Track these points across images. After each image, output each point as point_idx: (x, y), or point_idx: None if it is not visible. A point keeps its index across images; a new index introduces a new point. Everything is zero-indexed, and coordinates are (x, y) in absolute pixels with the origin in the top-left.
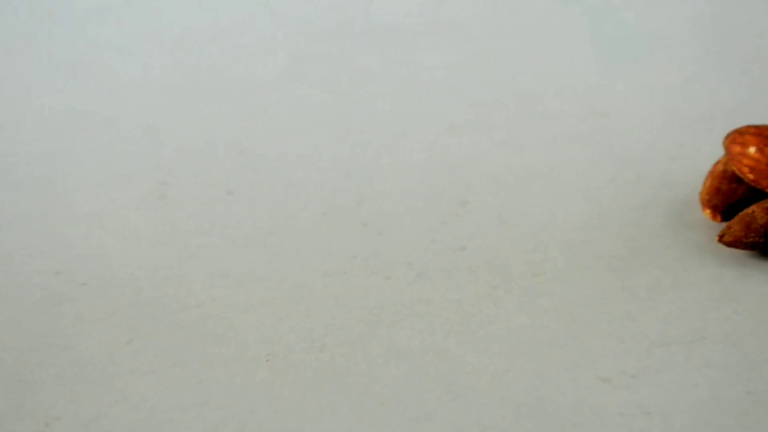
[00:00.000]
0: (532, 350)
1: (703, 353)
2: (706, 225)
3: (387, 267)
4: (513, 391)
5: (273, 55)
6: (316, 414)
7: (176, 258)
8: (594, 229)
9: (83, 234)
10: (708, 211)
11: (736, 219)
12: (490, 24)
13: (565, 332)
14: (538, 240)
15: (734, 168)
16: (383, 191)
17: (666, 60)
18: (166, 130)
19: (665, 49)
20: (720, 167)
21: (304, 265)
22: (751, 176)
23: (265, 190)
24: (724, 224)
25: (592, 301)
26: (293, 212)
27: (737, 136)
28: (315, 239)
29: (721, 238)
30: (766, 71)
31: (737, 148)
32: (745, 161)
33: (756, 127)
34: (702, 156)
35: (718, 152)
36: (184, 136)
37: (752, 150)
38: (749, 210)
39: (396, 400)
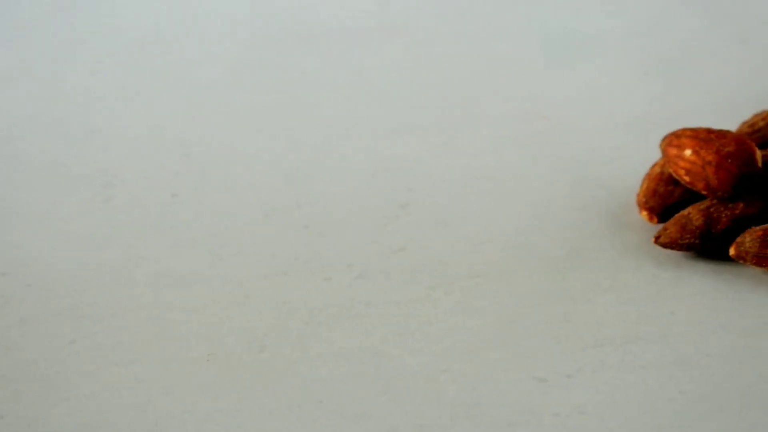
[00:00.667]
0: (469, 351)
1: (638, 353)
2: (643, 227)
3: (327, 268)
4: (449, 391)
5: (217, 58)
6: (255, 413)
7: (120, 259)
8: (532, 231)
9: (29, 236)
10: (645, 213)
11: (672, 221)
12: (434, 27)
13: (502, 333)
14: (477, 242)
15: (671, 170)
16: (325, 193)
17: (606, 63)
18: (112, 133)
19: (605, 52)
20: (657, 169)
21: (246, 267)
22: (687, 178)
23: (209, 193)
24: (660, 226)
25: (529, 302)
26: (236, 214)
27: (674, 139)
28: (257, 241)
29: (657, 240)
30: (703, 75)
31: (673, 151)
32: (681, 164)
33: (692, 129)
34: (640, 158)
35: (656, 155)
36: (129, 138)
37: (688, 152)
38: (685, 212)
39: (334, 399)
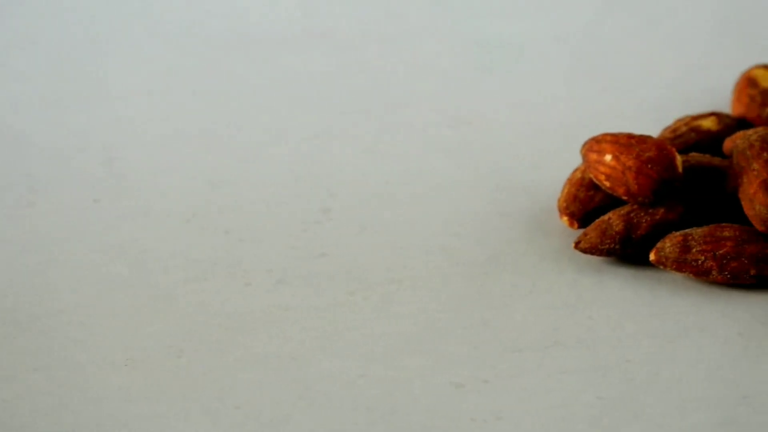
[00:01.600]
0: (387, 356)
1: (557, 359)
2: (564, 232)
3: (247, 274)
4: (366, 396)
5: (143, 64)
6: (172, 419)
7: (41, 264)
8: (453, 237)
9: None
10: (565, 218)
11: (592, 226)
12: (358, 33)
13: (421, 338)
14: (397, 247)
15: (591, 176)
16: (247, 198)
17: (530, 69)
18: (35, 138)
19: (529, 58)
20: (578, 175)
21: (166, 272)
22: (607, 183)
23: (130, 198)
24: (581, 231)
25: (449, 307)
26: (158, 219)
27: (594, 144)
28: (178, 246)
29: (577, 245)
30: (628, 80)
31: (594, 156)
32: (602, 169)
33: (612, 135)
34: (562, 164)
35: (578, 160)
36: (52, 144)
37: (608, 158)
38: (605, 217)
39: (251, 404)
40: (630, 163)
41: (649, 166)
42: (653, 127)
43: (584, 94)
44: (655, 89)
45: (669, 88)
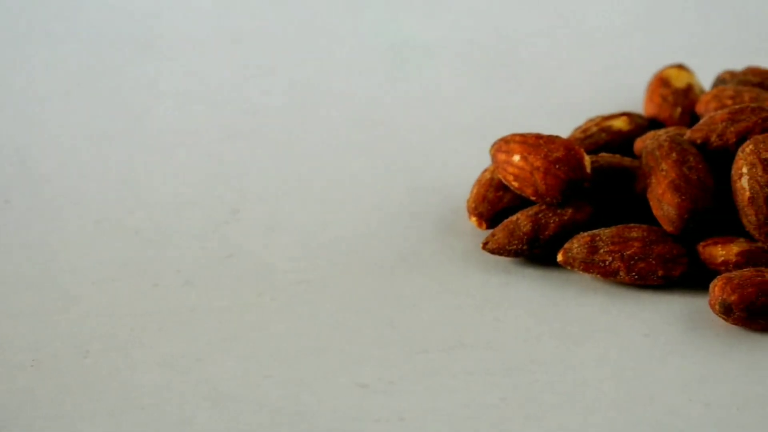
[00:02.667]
0: (294, 357)
1: (462, 359)
2: (473, 233)
3: (156, 274)
4: (272, 397)
5: (55, 65)
6: (77, 419)
7: None
8: (362, 237)
9: None
10: (474, 219)
11: (500, 227)
12: (272, 33)
13: (328, 339)
14: (306, 247)
15: (500, 176)
16: (157, 199)
17: (442, 69)
18: None
19: (441, 58)
20: (487, 175)
21: (75, 272)
22: (515, 184)
23: (41, 199)
24: (490, 232)
25: (356, 308)
26: (68, 220)
27: (503, 145)
28: (87, 247)
29: (485, 246)
30: (541, 80)
31: (502, 157)
32: (510, 169)
33: (521, 135)
34: (473, 164)
35: (489, 160)
36: None
37: (516, 158)
38: (513, 218)
39: (156, 405)
40: (538, 163)
41: (557, 166)
42: (566, 127)
43: (496, 94)
44: (568, 89)
45: (582, 87)
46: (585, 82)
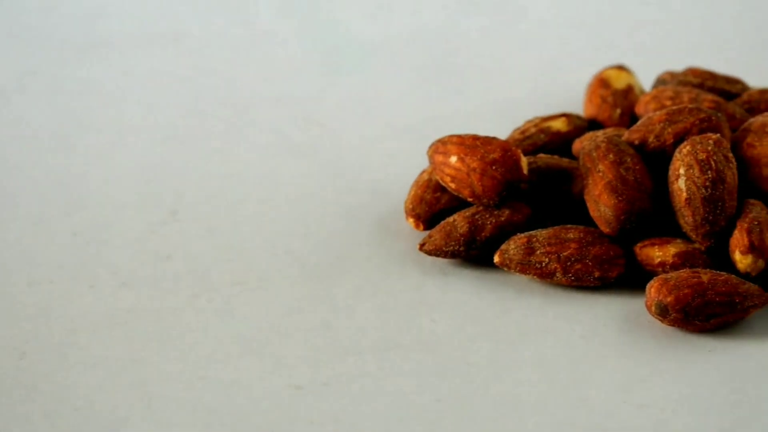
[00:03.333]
0: (228, 358)
1: (397, 361)
2: (411, 234)
3: (92, 276)
4: (206, 398)
5: None
6: (11, 421)
7: None
8: (299, 238)
9: None
10: (411, 220)
11: (437, 228)
12: (210, 34)
13: (262, 340)
14: (243, 249)
15: (437, 177)
16: (95, 200)
17: (382, 70)
18: None
19: (381, 59)
20: (425, 176)
21: (11, 274)
22: (452, 185)
23: None
24: (427, 233)
25: (291, 309)
26: (4, 222)
27: (440, 146)
28: (25, 248)
29: (422, 247)
30: (482, 81)
31: (440, 158)
32: (447, 170)
33: (459, 136)
34: (412, 165)
35: (427, 161)
36: None
37: (454, 159)
38: (450, 219)
39: (90, 407)
40: (475, 164)
41: (494, 167)
42: (506, 128)
43: (436, 95)
44: (509, 90)
45: (522, 88)
46: (525, 83)
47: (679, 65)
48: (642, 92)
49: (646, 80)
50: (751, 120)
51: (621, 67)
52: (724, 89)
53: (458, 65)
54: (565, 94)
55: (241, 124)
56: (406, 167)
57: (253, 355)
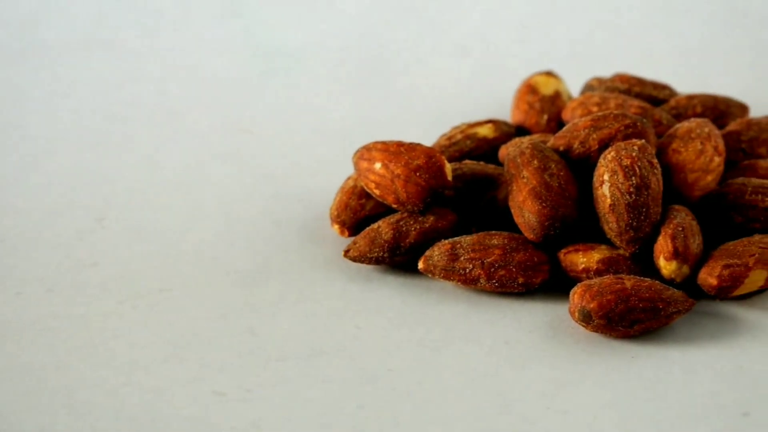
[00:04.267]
0: (151, 365)
1: (320, 367)
2: (336, 240)
3: (19, 283)
4: (128, 405)
5: None
6: None
7: None
8: (225, 245)
9: None
10: (336, 227)
11: (361, 234)
12: (144, 41)
13: (187, 347)
14: (169, 255)
15: (363, 184)
16: (23, 207)
17: (311, 76)
18: None
19: (311, 65)
20: (350, 183)
21: None
22: (377, 192)
23: None
24: (351, 239)
25: (217, 316)
26: None
27: (365, 152)
28: None
29: (346, 253)
30: (406, 88)
31: (364, 164)
32: (372, 177)
33: (383, 143)
34: (338, 172)
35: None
36: None
37: (378, 166)
38: (375, 225)
39: (14, 413)
40: (399, 171)
41: (418, 174)
42: (434, 135)
43: (364, 101)
44: (437, 96)
45: (451, 95)
46: (454, 90)
47: (607, 71)
48: (570, 98)
49: (575, 86)
50: (677, 126)
51: (549, 73)
52: (652, 95)
53: (387, 72)
54: (494, 101)
55: (170, 131)
56: (333, 174)
57: (177, 361)
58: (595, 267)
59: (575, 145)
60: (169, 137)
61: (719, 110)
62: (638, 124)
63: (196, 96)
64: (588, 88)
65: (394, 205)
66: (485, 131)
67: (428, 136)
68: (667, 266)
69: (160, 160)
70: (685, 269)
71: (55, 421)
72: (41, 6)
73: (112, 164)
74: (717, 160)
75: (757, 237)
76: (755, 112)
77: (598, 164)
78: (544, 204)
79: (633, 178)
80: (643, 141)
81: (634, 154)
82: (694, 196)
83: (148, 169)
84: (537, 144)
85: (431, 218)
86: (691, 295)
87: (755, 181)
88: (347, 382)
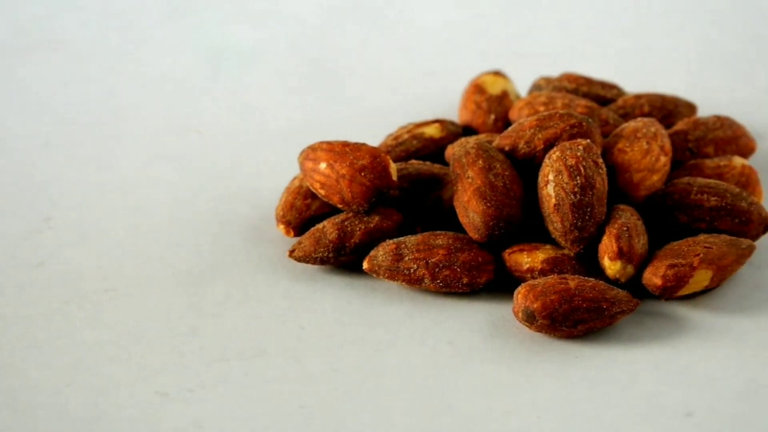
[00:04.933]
0: (95, 365)
1: (263, 368)
2: (281, 240)
3: None
4: (71, 405)
5: None
6: None
7: None
8: (171, 246)
9: None
10: (282, 227)
11: (306, 234)
12: (88, 43)
13: (130, 347)
14: (115, 256)
15: (308, 184)
16: None
17: (259, 76)
18: None
19: (259, 65)
20: (296, 183)
21: None
22: (322, 192)
23: None
24: (297, 239)
25: (159, 316)
26: None
27: (310, 152)
28: None
29: (291, 254)
30: (353, 88)
31: (310, 164)
32: (317, 177)
33: (328, 143)
34: (284, 172)
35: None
36: None
37: (323, 166)
38: (320, 225)
39: None
40: (344, 171)
41: (363, 174)
42: (381, 134)
43: (311, 101)
44: (385, 96)
45: (398, 94)
46: (401, 89)
47: (555, 71)
48: (517, 98)
49: (522, 86)
50: (624, 125)
51: (497, 73)
52: (599, 94)
53: (333, 71)
54: (441, 100)
55: (116, 131)
56: (279, 174)
57: (120, 362)
58: (539, 267)
59: (520, 145)
60: (116, 137)
61: (667, 110)
62: (584, 123)
63: (142, 96)
64: (535, 87)
65: (340, 205)
66: (432, 131)
67: (373, 136)
68: (611, 266)
69: (107, 161)
70: (630, 269)
71: None
72: None
73: (58, 164)
74: (663, 159)
75: (702, 237)
76: (703, 111)
77: (543, 164)
78: (488, 204)
79: (578, 177)
80: (588, 141)
81: (578, 153)
82: (639, 195)
83: (94, 169)
84: (482, 144)
85: (376, 218)
86: (635, 295)
87: (701, 180)
88: (290, 382)
